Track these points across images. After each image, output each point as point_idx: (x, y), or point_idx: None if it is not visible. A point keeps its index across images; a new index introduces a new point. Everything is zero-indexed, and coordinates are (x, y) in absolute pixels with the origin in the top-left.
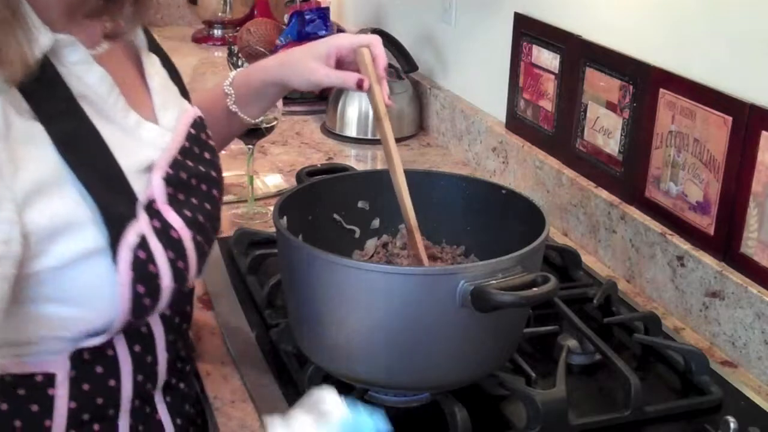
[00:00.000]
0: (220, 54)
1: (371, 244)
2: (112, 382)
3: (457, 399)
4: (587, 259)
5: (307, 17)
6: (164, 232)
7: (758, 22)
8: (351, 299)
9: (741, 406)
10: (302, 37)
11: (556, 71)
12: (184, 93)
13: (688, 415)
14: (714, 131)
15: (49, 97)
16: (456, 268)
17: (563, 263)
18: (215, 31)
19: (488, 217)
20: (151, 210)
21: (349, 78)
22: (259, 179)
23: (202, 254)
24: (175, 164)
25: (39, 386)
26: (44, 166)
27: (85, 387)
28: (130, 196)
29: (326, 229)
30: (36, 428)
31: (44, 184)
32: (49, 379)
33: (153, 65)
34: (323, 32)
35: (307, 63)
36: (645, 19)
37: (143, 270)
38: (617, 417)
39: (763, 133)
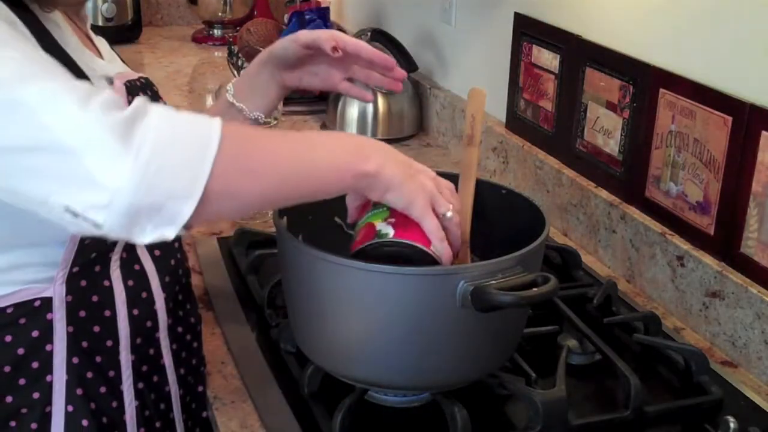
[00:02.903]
0: (220, 54)
1: None
2: (107, 313)
3: (457, 399)
4: (587, 259)
5: (307, 17)
6: None
7: (758, 22)
8: (351, 299)
9: (741, 406)
10: None
11: (556, 71)
12: None
13: (688, 415)
14: (714, 131)
15: (25, 19)
16: (456, 268)
17: (563, 263)
18: (215, 31)
19: (488, 217)
20: None
21: (322, 35)
22: None
23: None
24: (133, 82)
25: (38, 311)
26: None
27: (82, 314)
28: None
29: (326, 229)
30: (39, 353)
31: None
32: (47, 303)
33: (101, 42)
34: None
35: (287, 37)
36: (645, 19)
37: None
38: (617, 417)
39: (763, 133)
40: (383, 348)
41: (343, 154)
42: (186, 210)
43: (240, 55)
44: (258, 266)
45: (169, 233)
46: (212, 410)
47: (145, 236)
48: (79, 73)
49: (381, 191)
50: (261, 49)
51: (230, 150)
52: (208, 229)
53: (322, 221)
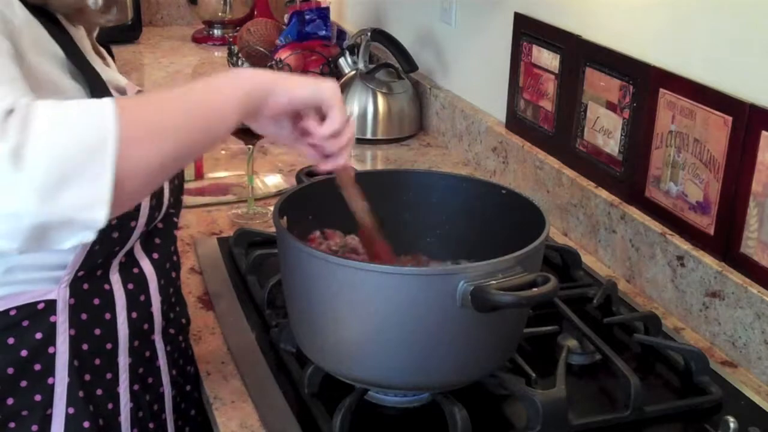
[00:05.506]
0: (220, 54)
1: None
2: (108, 316)
3: (457, 399)
4: (587, 259)
5: (307, 17)
6: None
7: (758, 22)
8: (351, 299)
9: (741, 406)
10: (302, 37)
11: (556, 71)
12: None
13: (688, 415)
14: (714, 131)
15: (54, 32)
16: (456, 268)
17: (563, 263)
18: (215, 31)
19: (488, 217)
20: None
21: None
22: (259, 179)
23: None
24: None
25: (41, 313)
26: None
27: (84, 317)
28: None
29: (326, 229)
30: (41, 355)
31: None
32: (50, 305)
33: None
34: (323, 32)
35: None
36: (645, 19)
37: None
38: (617, 417)
39: (763, 133)
40: (383, 348)
41: (225, 79)
42: (100, 215)
43: (240, 55)
44: (258, 266)
45: (88, 238)
46: (212, 410)
47: (61, 244)
48: (101, 85)
49: (285, 93)
50: (261, 49)
51: (129, 132)
52: (208, 229)
53: (322, 221)
